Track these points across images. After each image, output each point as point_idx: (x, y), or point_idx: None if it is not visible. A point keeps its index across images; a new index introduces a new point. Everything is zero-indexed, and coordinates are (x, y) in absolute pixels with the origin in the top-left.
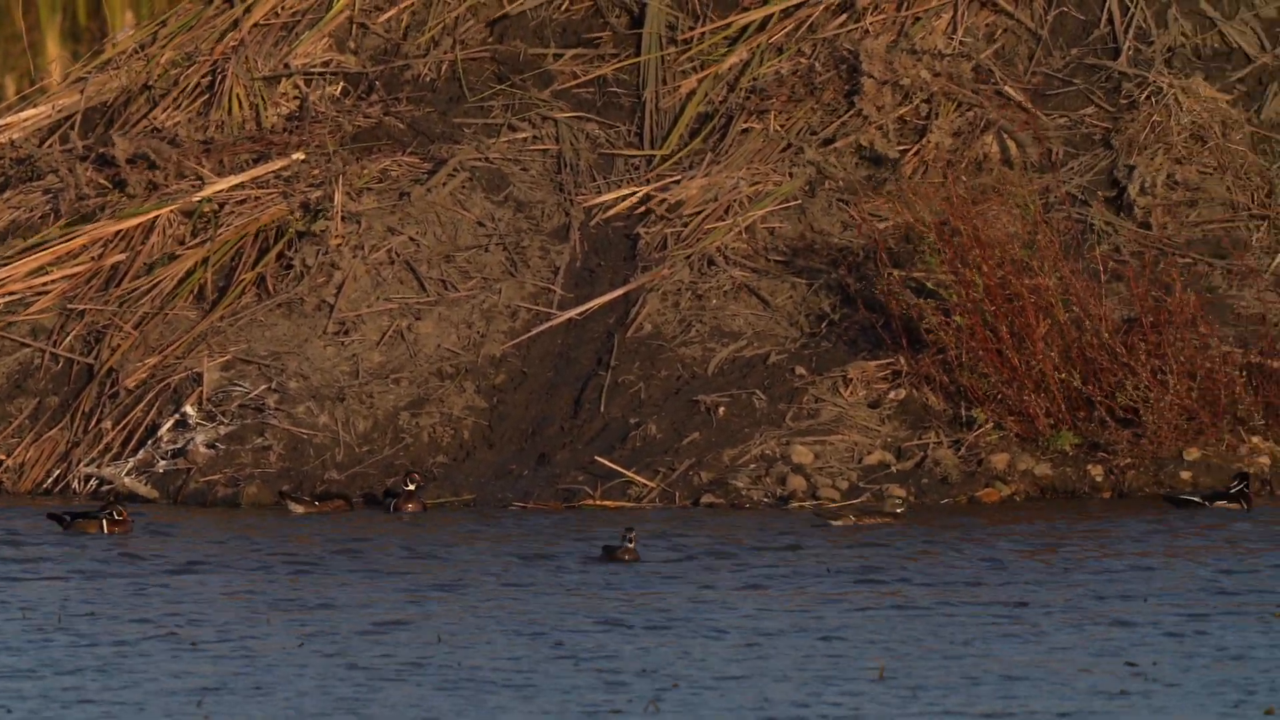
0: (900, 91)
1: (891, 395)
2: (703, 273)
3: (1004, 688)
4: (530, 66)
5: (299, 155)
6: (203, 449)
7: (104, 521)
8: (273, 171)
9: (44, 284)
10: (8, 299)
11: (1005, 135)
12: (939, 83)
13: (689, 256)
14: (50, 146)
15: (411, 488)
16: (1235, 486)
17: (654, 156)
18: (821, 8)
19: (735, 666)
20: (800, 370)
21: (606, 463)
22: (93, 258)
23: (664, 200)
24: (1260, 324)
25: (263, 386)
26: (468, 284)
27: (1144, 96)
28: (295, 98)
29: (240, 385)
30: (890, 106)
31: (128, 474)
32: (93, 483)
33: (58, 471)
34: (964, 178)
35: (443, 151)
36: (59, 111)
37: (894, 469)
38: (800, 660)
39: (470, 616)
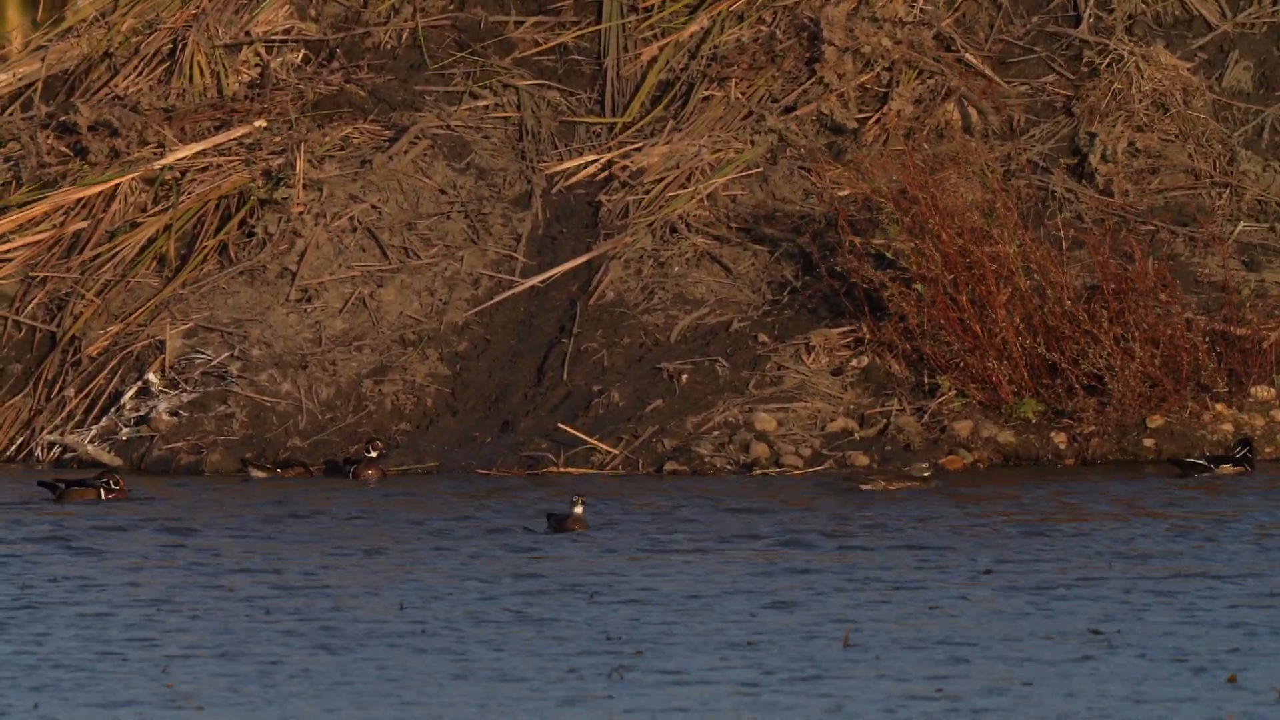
0: (861, 59)
1: (854, 363)
2: (665, 240)
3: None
4: (491, 34)
5: (260, 123)
6: (166, 416)
7: (101, 490)
8: (234, 139)
9: (6, 251)
10: None
11: (966, 103)
12: (900, 50)
13: (651, 224)
14: (11, 114)
15: (373, 455)
16: (1240, 451)
17: (615, 124)
18: None
19: (683, 629)
20: (763, 338)
21: (570, 430)
22: (55, 225)
23: (626, 168)
24: (1222, 291)
25: (225, 354)
26: (430, 251)
27: (1105, 64)
28: (256, 65)
29: (203, 353)
30: (851, 74)
31: (91, 441)
32: (56, 450)
33: (21, 439)
34: (925, 145)
35: (404, 119)
36: (20, 79)
37: (857, 436)
38: (780, 626)
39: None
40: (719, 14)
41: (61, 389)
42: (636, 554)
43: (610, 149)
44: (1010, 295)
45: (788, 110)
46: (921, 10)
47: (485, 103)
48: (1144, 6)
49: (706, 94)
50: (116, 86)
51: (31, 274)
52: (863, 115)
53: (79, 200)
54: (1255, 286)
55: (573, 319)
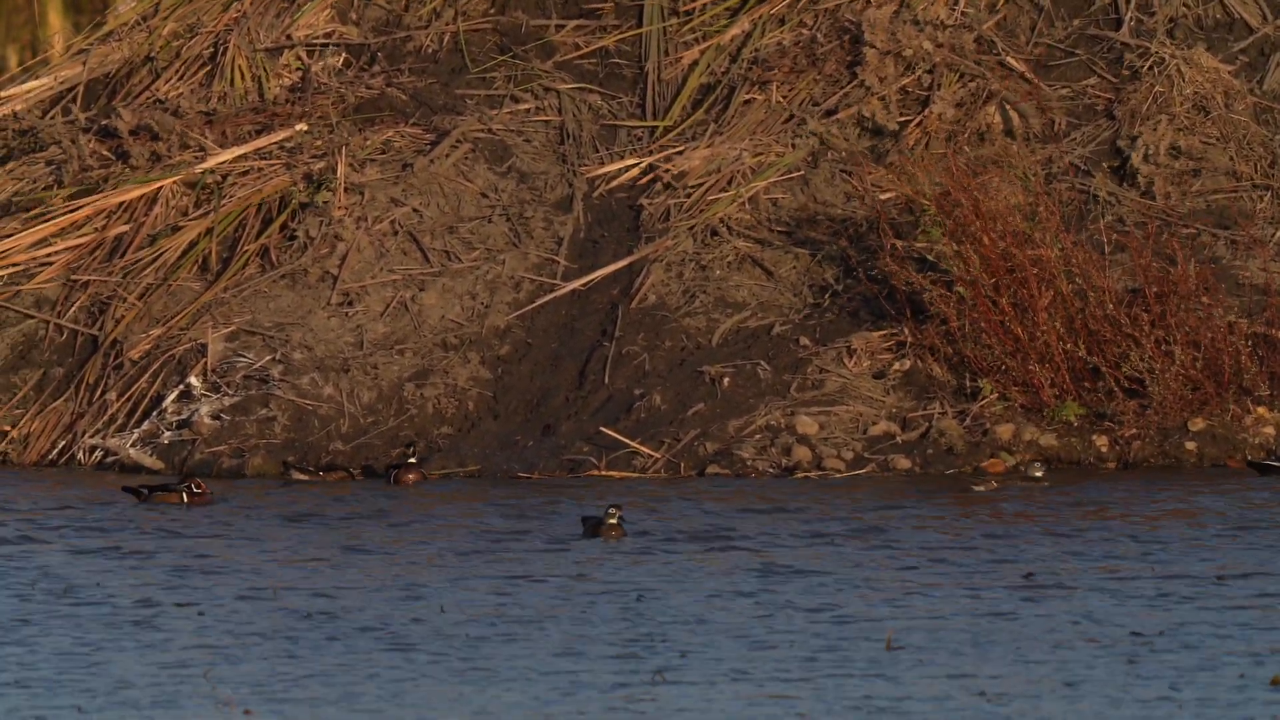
0: (903, 62)
1: (896, 366)
2: (706, 243)
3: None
4: (532, 38)
5: (302, 126)
6: (207, 420)
7: (184, 494)
8: (275, 143)
9: (48, 255)
10: (11, 270)
11: (1007, 106)
12: (941, 53)
13: (692, 227)
14: (53, 118)
15: (412, 459)
16: None
17: (657, 127)
18: None
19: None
20: (804, 341)
21: (611, 433)
22: (96, 229)
23: (667, 171)
24: (1265, 294)
25: (267, 358)
26: (471, 255)
27: (1146, 67)
28: (298, 69)
29: (244, 356)
30: (893, 77)
31: (132, 445)
32: (98, 454)
33: (63, 443)
34: (966, 149)
35: (445, 123)
36: (61, 83)
37: (899, 439)
38: (807, 632)
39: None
40: (760, 17)
41: (103, 393)
42: (703, 553)
43: (651, 152)
44: (1052, 299)
45: (829, 113)
46: (963, 13)
47: (527, 106)
48: (1185, 9)
49: (747, 97)
50: (158, 90)
51: (73, 278)
52: (904, 118)
53: (120, 204)
54: None
55: (614, 322)
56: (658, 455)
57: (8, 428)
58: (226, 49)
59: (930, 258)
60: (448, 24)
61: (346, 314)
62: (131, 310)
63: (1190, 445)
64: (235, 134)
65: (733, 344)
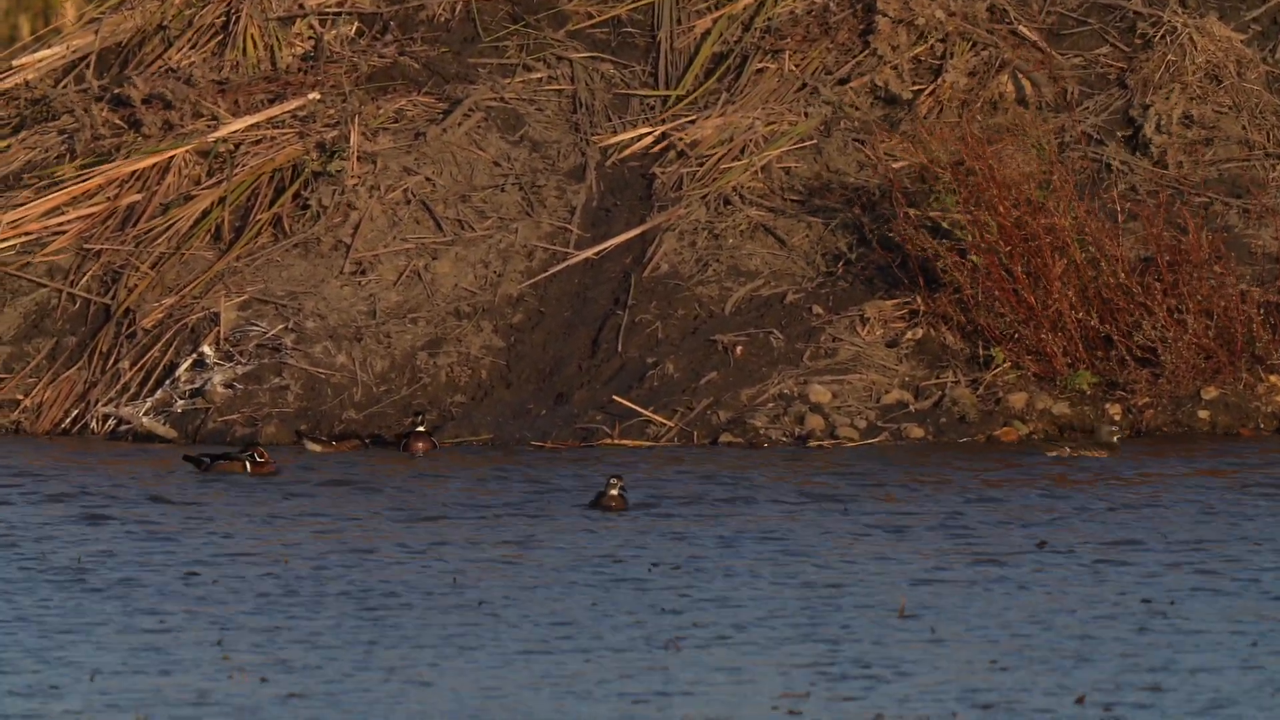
0: (915, 31)
1: (909, 334)
2: (719, 212)
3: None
4: (544, 6)
5: (314, 95)
6: (220, 389)
7: (248, 463)
8: (288, 112)
9: (60, 224)
10: (24, 239)
11: (1020, 75)
12: (954, 22)
13: (705, 196)
14: (65, 87)
15: (422, 428)
16: None
17: (669, 96)
18: None
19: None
20: (817, 309)
21: (624, 402)
22: (108, 198)
23: (680, 140)
24: (1277, 262)
25: (280, 326)
26: (484, 224)
27: (1159, 36)
28: (310, 38)
29: (257, 325)
30: (905, 46)
31: (145, 414)
32: (111, 423)
33: (75, 412)
34: (979, 117)
35: (458, 91)
36: (74, 52)
37: (912, 408)
38: (822, 598)
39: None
40: None
41: (116, 361)
42: (768, 517)
43: (664, 121)
44: (1065, 267)
45: (842, 82)
46: None
47: (539, 75)
48: None
49: (760, 66)
50: (170, 59)
51: (86, 247)
52: (917, 87)
53: (133, 173)
54: None
55: (627, 291)
56: (670, 424)
57: (21, 397)
58: (239, 17)
59: (945, 225)
60: None
61: (359, 283)
62: (144, 279)
63: (1203, 414)
64: (248, 103)
65: (745, 313)
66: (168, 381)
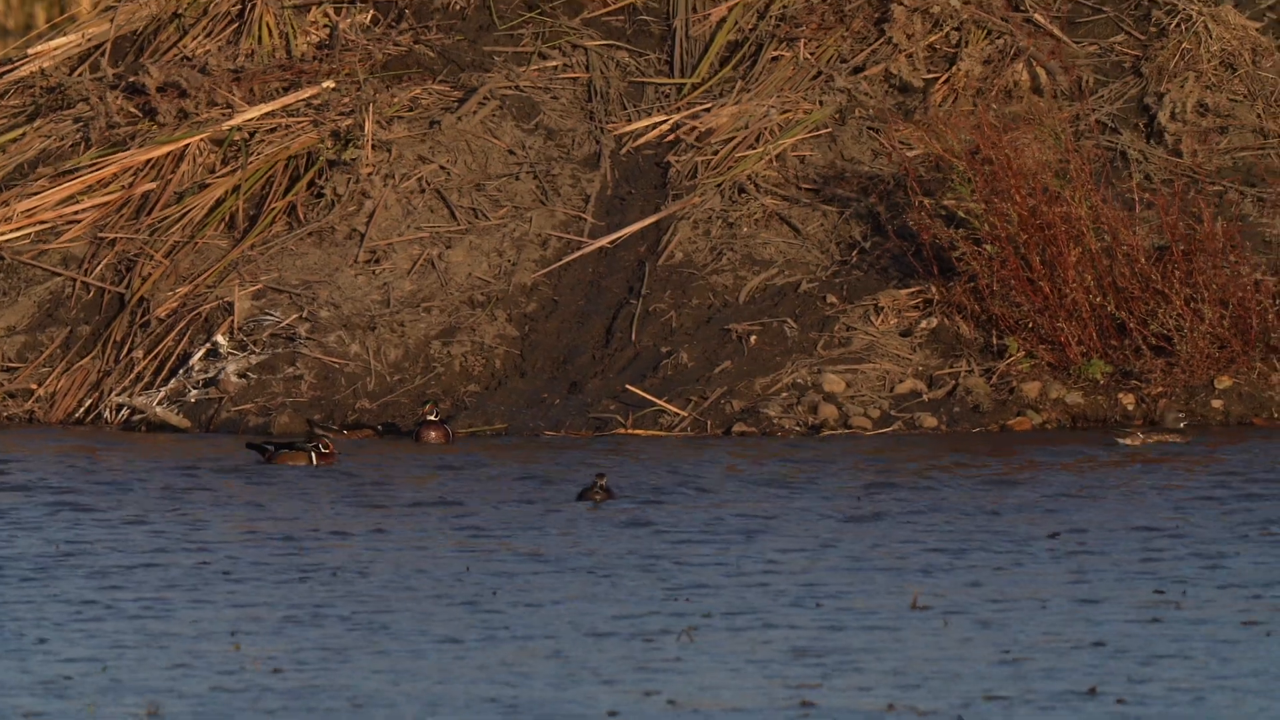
0: (930, 19)
1: (923, 324)
2: (733, 201)
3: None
4: None
5: (329, 84)
6: (234, 378)
7: (312, 454)
8: (303, 100)
9: (75, 213)
10: (39, 228)
11: (1035, 63)
12: (969, 10)
13: (720, 185)
14: (80, 75)
15: (434, 417)
16: None
17: (684, 84)
18: None
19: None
20: (831, 298)
21: (638, 391)
22: (123, 186)
23: (694, 128)
24: None
25: (294, 315)
26: (499, 212)
27: (1174, 24)
28: (325, 26)
29: (271, 314)
30: (920, 34)
31: (159, 403)
32: (124, 412)
33: (89, 401)
34: (994, 106)
35: (473, 80)
36: (89, 40)
37: (926, 398)
38: (825, 589)
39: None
40: None
41: (130, 350)
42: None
43: (679, 110)
44: (1080, 255)
45: (856, 70)
46: None
47: (554, 63)
48: None
49: (775, 54)
50: (185, 47)
51: (100, 235)
52: (931, 75)
53: (147, 161)
54: None
55: (641, 280)
56: (684, 413)
57: (34, 386)
58: (254, 6)
59: (962, 214)
60: None
61: (373, 272)
62: (158, 268)
63: (1216, 403)
64: (262, 91)
65: (760, 302)
66: (181, 371)
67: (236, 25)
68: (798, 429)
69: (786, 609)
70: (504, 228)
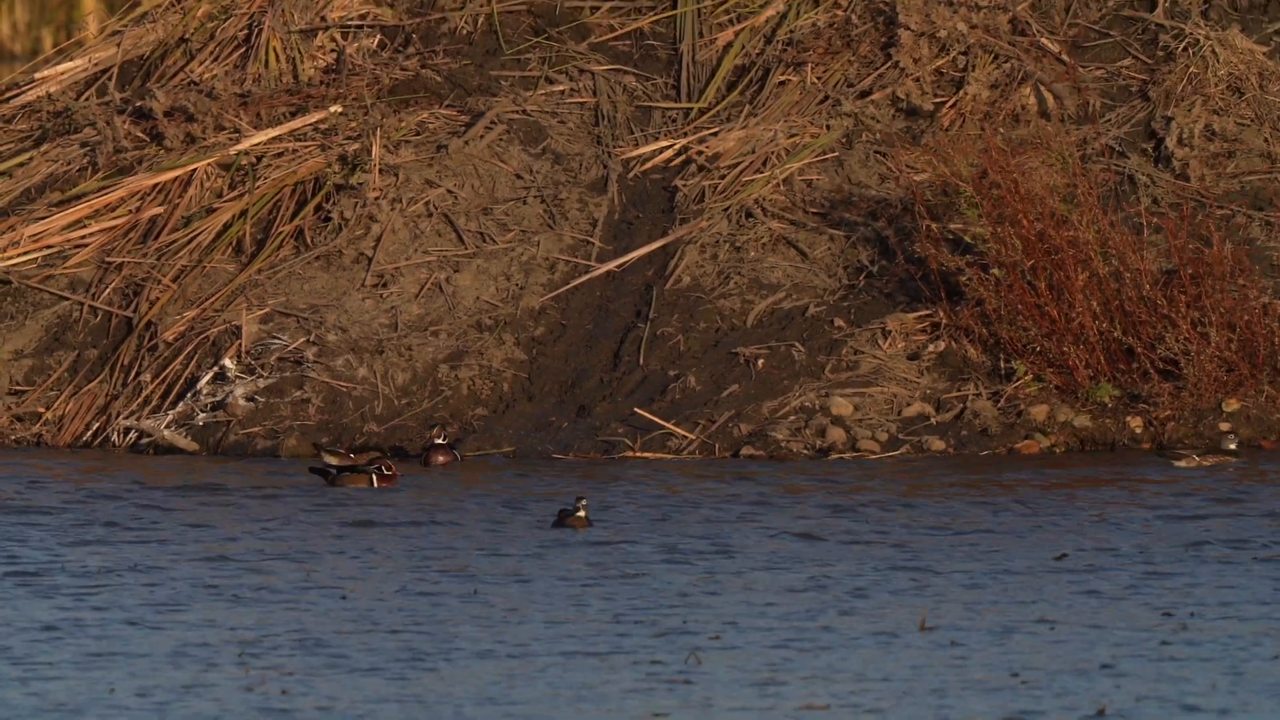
0: (937, 43)
1: (930, 347)
2: (741, 225)
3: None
4: (567, 19)
5: (336, 108)
6: (242, 402)
7: (374, 476)
8: (310, 124)
9: (82, 237)
10: (46, 252)
11: (1042, 87)
12: (976, 35)
13: (727, 209)
14: (88, 100)
15: (441, 441)
16: None
17: (691, 109)
18: None
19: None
20: (839, 322)
21: (646, 415)
22: (130, 211)
23: (702, 153)
24: None
25: (301, 339)
26: (506, 236)
27: (1181, 48)
28: (332, 51)
29: (279, 338)
30: (927, 59)
31: (167, 427)
32: (132, 435)
33: (97, 425)
34: (1001, 130)
35: (480, 104)
36: (96, 65)
37: (933, 421)
38: (829, 618)
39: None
40: None
41: (138, 374)
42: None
43: (686, 134)
44: (1087, 280)
45: (863, 95)
46: None
47: (561, 88)
48: None
49: (782, 79)
50: (192, 72)
51: (108, 260)
52: (939, 100)
53: (155, 186)
54: None
55: (649, 304)
56: (692, 436)
57: (42, 409)
58: (261, 30)
59: (968, 239)
60: (482, 5)
61: (381, 295)
62: (166, 292)
63: (1224, 426)
64: (270, 115)
65: (767, 325)
66: (189, 394)
67: (243, 50)
68: (806, 452)
69: (791, 629)
70: (511, 252)
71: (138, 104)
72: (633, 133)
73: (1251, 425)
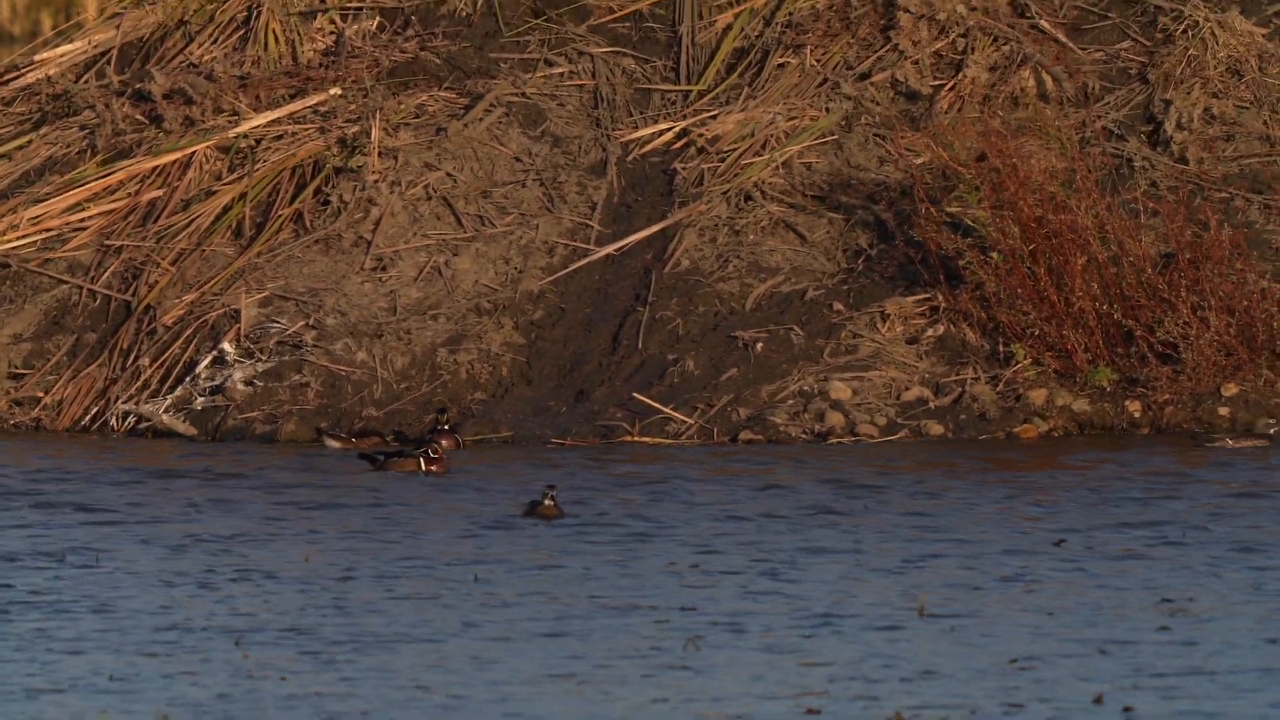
0: (936, 26)
1: (929, 331)
2: (740, 208)
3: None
4: (566, 1)
5: (335, 90)
6: (240, 386)
7: (422, 460)
8: (309, 107)
9: (81, 220)
10: (45, 235)
11: (1041, 70)
12: (975, 17)
13: (726, 192)
14: (87, 82)
15: (445, 425)
16: None
17: (690, 91)
18: None
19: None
20: (838, 306)
21: (645, 399)
22: (130, 194)
23: (701, 135)
24: None
25: (300, 323)
26: (505, 220)
27: (1180, 30)
28: (331, 33)
29: (278, 322)
30: (926, 41)
31: (166, 411)
32: (131, 420)
33: (95, 409)
34: (1000, 113)
35: (479, 86)
36: (95, 47)
37: (932, 405)
38: (839, 597)
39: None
40: None
41: (137, 358)
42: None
43: (685, 116)
44: (1086, 263)
45: (863, 77)
46: None
47: (560, 70)
48: None
49: (781, 61)
50: (191, 54)
51: (107, 243)
52: (938, 82)
53: (154, 169)
54: None
55: (648, 287)
56: (691, 421)
57: (41, 394)
58: (260, 12)
59: (969, 222)
60: None
61: (380, 279)
62: (165, 276)
63: (1223, 410)
64: (269, 98)
65: (766, 309)
66: (188, 378)
67: (243, 32)
68: (804, 436)
69: (791, 615)
70: (510, 235)
71: (137, 86)
72: (632, 115)
73: (1250, 409)
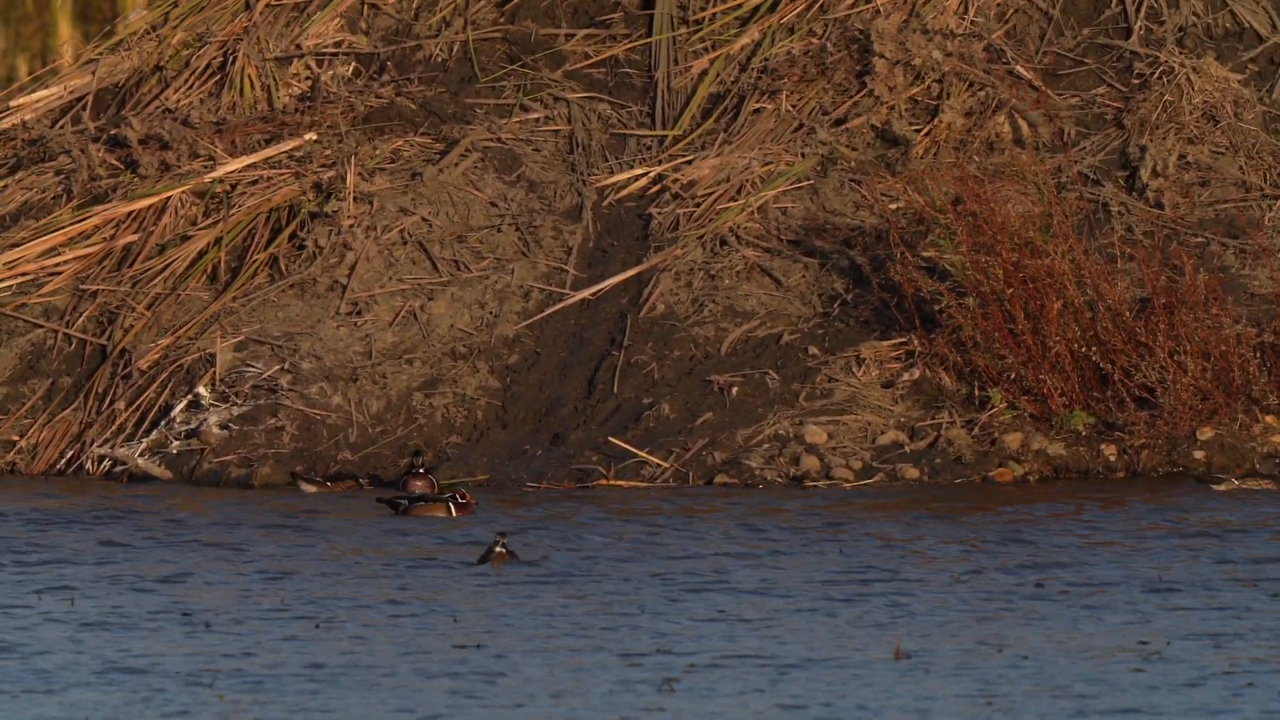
0: (912, 71)
1: (905, 375)
2: (715, 253)
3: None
4: (542, 47)
5: (311, 136)
6: (216, 429)
7: (451, 505)
8: (285, 152)
9: (56, 265)
10: (20, 280)
11: (1017, 115)
12: (951, 63)
13: (701, 236)
14: (62, 127)
15: (420, 469)
16: None
17: (666, 137)
18: None
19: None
20: (813, 350)
21: (620, 443)
22: (105, 238)
23: (676, 180)
24: (1274, 303)
25: (276, 367)
26: (480, 264)
27: (1156, 76)
28: (307, 78)
29: (253, 366)
30: (902, 87)
31: (141, 455)
32: (106, 463)
33: (71, 452)
34: (976, 158)
35: (455, 132)
36: (71, 93)
37: (908, 449)
38: (816, 641)
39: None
40: (770, 26)
41: (112, 402)
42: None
43: (661, 161)
44: (1061, 308)
45: (838, 123)
46: (972, 22)
47: (536, 115)
48: (1194, 18)
49: (757, 106)
50: (167, 100)
51: (82, 287)
52: (914, 128)
53: (129, 213)
54: None
55: (623, 331)
56: (666, 465)
57: (16, 437)
58: (236, 58)
59: (947, 266)
60: (457, 33)
61: (355, 323)
62: (140, 320)
63: (1199, 454)
64: (244, 143)
65: (741, 353)
66: (163, 422)
67: (219, 78)
68: (780, 480)
69: (764, 658)
70: (486, 279)
71: (112, 132)
72: (607, 160)
73: (1225, 453)
